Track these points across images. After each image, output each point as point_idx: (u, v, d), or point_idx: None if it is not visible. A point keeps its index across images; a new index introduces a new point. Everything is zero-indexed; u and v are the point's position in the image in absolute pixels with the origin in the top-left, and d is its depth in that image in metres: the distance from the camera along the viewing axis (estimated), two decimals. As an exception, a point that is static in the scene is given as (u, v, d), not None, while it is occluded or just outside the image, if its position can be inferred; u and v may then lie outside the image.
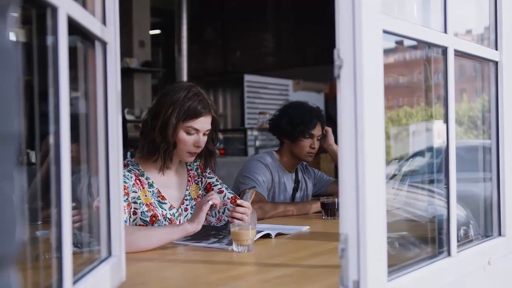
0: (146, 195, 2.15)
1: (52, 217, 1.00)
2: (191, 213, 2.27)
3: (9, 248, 0.53)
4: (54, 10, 0.97)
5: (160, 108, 2.14)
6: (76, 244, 1.33)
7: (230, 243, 1.89)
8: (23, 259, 0.66)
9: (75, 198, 1.14)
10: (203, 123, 2.17)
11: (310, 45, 9.39)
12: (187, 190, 2.31)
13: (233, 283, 1.50)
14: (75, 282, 1.08)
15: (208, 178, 2.38)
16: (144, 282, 1.52)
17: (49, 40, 1.00)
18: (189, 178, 2.34)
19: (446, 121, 1.51)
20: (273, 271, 1.60)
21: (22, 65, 0.57)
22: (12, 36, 0.56)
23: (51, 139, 0.99)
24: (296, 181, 3.11)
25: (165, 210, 2.18)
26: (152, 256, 1.83)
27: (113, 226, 1.36)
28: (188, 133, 2.15)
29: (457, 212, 1.53)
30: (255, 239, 1.91)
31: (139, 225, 2.12)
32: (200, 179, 2.37)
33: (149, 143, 2.16)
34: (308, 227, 2.33)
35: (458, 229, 1.60)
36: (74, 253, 1.05)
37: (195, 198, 2.32)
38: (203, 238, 2.01)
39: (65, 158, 1.00)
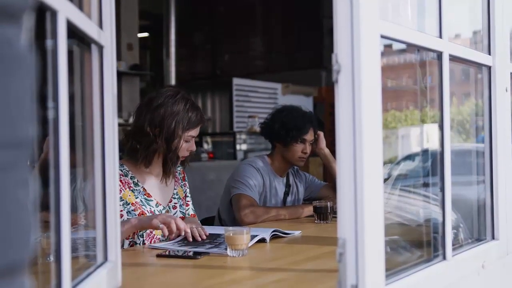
0: (130, 195, 2.20)
1: (51, 221, 0.99)
2: (180, 211, 2.37)
3: (24, 254, 0.53)
4: (54, 13, 0.96)
5: (160, 119, 2.20)
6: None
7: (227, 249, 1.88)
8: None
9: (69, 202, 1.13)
10: (198, 130, 2.32)
11: (299, 49, 9.42)
12: (175, 189, 2.39)
13: (230, 287, 1.49)
14: (73, 287, 1.07)
15: (186, 187, 2.49)
16: (140, 287, 1.51)
17: (48, 43, 0.99)
18: (176, 179, 2.43)
19: (441, 125, 1.52)
20: (269, 276, 1.60)
21: (36, 70, 0.57)
22: (27, 41, 0.55)
23: (50, 143, 0.98)
24: (287, 185, 3.10)
25: (152, 207, 2.25)
26: (147, 261, 1.82)
27: (109, 232, 1.35)
28: (187, 141, 2.27)
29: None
30: (250, 244, 1.91)
31: None
32: (183, 183, 2.48)
33: (152, 153, 2.23)
34: (300, 231, 2.33)
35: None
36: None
37: (182, 198, 2.41)
38: (199, 245, 2.00)
39: (64, 162, 0.99)
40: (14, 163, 0.52)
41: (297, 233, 2.31)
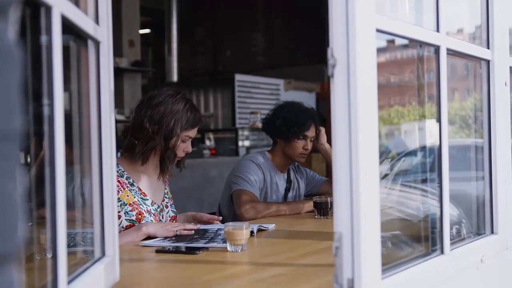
0: (128, 195, 2.23)
1: (47, 217, 0.99)
2: (171, 210, 2.42)
3: (12, 246, 0.53)
4: (48, 9, 0.96)
5: (160, 116, 2.23)
6: (68, 244, 1.33)
7: (224, 241, 1.88)
8: (19, 259, 0.66)
9: (67, 198, 1.14)
10: (196, 131, 2.35)
11: (301, 44, 9.42)
12: (165, 189, 2.44)
13: (228, 282, 1.50)
14: (69, 282, 1.07)
15: (168, 187, 2.51)
16: (138, 282, 1.51)
17: (43, 39, 1.00)
18: (166, 179, 2.46)
19: (439, 120, 1.51)
20: (267, 270, 1.60)
21: (23, 64, 0.57)
22: (14, 35, 0.56)
23: (45, 140, 0.98)
24: (288, 181, 3.11)
25: (148, 206, 2.28)
26: (146, 256, 1.82)
27: (106, 226, 1.35)
28: (183, 141, 2.29)
29: (449, 211, 1.54)
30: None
31: (126, 226, 2.15)
32: (168, 184, 2.52)
33: (149, 150, 2.25)
34: (274, 225, 2.36)
35: (451, 228, 1.61)
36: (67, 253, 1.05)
37: (171, 198, 2.46)
38: (192, 240, 2.00)
39: (59, 158, 0.99)
40: (2, 155, 0.52)
41: (271, 226, 2.33)
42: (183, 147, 2.30)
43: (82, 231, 1.46)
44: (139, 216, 2.21)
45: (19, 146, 0.55)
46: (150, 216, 2.25)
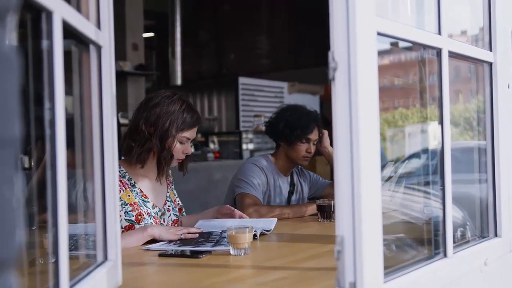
0: (129, 195, 2.24)
1: (48, 222, 1.00)
2: (173, 213, 2.41)
3: (9, 252, 0.53)
4: (49, 14, 0.97)
5: (155, 118, 2.23)
6: (71, 248, 1.33)
7: (228, 245, 1.88)
8: (19, 264, 0.66)
9: (70, 203, 1.14)
10: (195, 132, 2.33)
11: (304, 47, 9.41)
12: (167, 192, 2.43)
13: (231, 286, 1.49)
14: (71, 286, 1.08)
15: (171, 191, 2.50)
16: (140, 286, 1.51)
17: (44, 44, 1.00)
18: (168, 182, 2.46)
19: (441, 122, 1.51)
20: (270, 274, 1.60)
21: (21, 70, 0.57)
22: (12, 41, 0.56)
23: (47, 144, 0.99)
24: (292, 184, 3.10)
25: (149, 208, 2.28)
26: (148, 260, 1.82)
27: (109, 231, 1.35)
28: (181, 143, 2.29)
29: (453, 214, 1.54)
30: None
31: (125, 226, 2.18)
32: (173, 186, 2.51)
33: (146, 151, 2.24)
34: (276, 219, 2.37)
35: (455, 231, 1.60)
36: (69, 257, 1.05)
37: (174, 201, 2.45)
38: (198, 243, 2.00)
39: (60, 163, 0.99)
40: (0, 161, 0.52)
41: (273, 223, 2.34)
42: (182, 149, 2.29)
43: (85, 233, 1.46)
44: (139, 217, 2.21)
45: (18, 151, 0.55)
46: (150, 218, 2.25)
